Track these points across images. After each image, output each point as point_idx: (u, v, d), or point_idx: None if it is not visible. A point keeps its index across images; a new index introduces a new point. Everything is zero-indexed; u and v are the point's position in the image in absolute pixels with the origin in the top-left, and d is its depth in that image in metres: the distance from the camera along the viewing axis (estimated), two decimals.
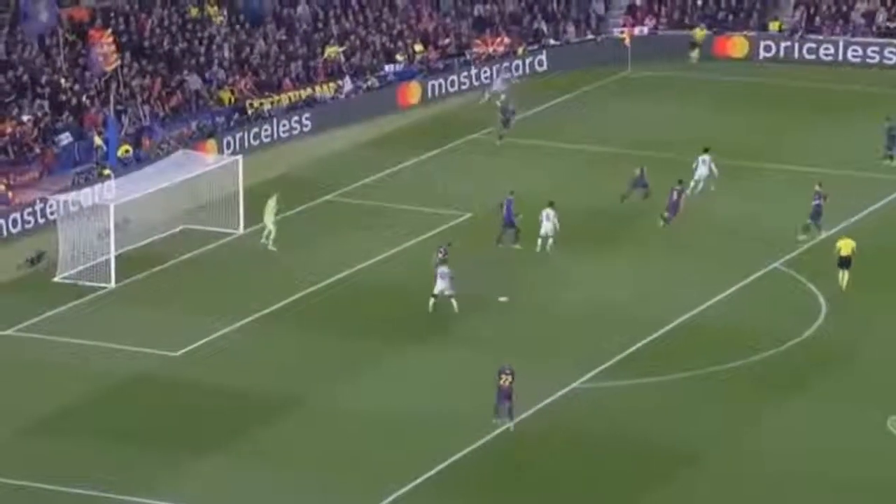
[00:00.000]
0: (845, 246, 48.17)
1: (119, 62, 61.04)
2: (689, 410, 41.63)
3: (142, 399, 42.86)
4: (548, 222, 51.09)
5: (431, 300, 46.72)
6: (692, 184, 55.59)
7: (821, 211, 51.64)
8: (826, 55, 72.40)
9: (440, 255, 47.72)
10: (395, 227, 54.02)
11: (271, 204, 52.20)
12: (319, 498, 37.71)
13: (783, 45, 72.92)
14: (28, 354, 45.51)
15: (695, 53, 71.62)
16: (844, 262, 48.02)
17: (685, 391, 42.67)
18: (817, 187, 52.13)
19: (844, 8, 73.91)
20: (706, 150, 56.44)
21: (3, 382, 43.83)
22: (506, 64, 67.72)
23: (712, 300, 47.92)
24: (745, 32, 73.50)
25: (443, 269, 46.84)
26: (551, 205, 51.36)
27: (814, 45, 72.63)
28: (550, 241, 51.14)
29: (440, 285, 46.69)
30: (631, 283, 49.49)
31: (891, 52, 71.69)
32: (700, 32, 72.08)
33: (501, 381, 40.26)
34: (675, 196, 53.08)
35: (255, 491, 38.07)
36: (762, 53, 72.95)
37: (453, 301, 46.62)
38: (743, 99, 67.43)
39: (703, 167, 55.94)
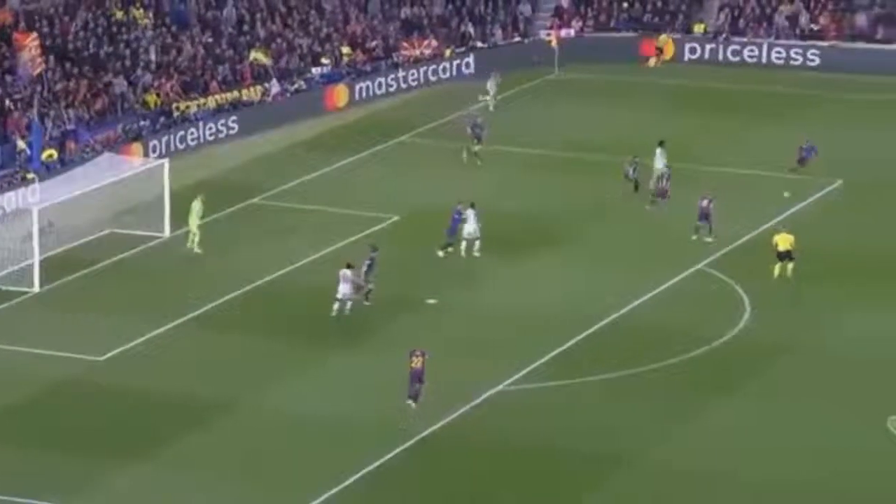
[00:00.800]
0: (783, 241, 48.50)
1: (44, 66, 60.54)
2: (617, 410, 41.56)
3: (66, 404, 42.39)
4: (470, 224, 50.68)
5: (336, 305, 46.28)
6: (654, 177, 55.72)
7: (708, 213, 51.42)
8: (750, 57, 72.75)
9: (366, 265, 47.23)
10: (322, 229, 53.74)
11: (196, 207, 51.80)
12: (247, 500, 37.35)
13: (708, 46, 73.26)
14: None
15: (652, 62, 71.67)
16: (783, 256, 48.33)
17: (612, 391, 42.61)
18: (708, 194, 51.98)
19: (768, 10, 74.34)
20: (661, 144, 56.55)
21: None
22: (497, 74, 66.59)
23: (638, 301, 47.93)
24: (670, 34, 73.74)
25: (345, 272, 46.30)
26: (472, 206, 51.13)
27: (738, 47, 72.99)
28: (477, 243, 50.90)
29: (342, 289, 46.17)
30: (558, 284, 49.39)
31: (813, 54, 72.11)
32: (664, 38, 72.02)
33: (413, 363, 40.61)
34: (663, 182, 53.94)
35: (180, 496, 37.67)
36: (687, 55, 73.24)
37: (348, 303, 46.16)
38: (669, 100, 67.60)
39: (659, 161, 56.18)
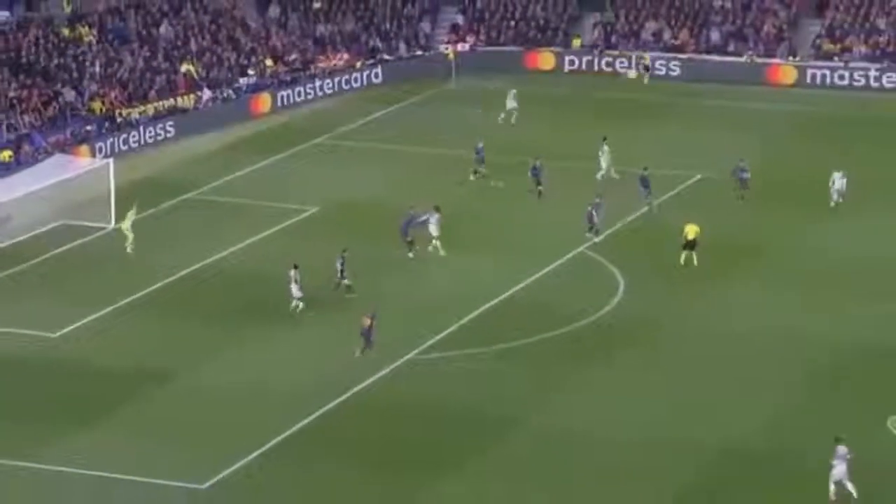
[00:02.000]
0: (691, 230, 48.16)
1: None
2: (505, 379, 41.33)
3: (22, 375, 41.69)
4: (433, 226, 49.11)
5: (293, 304, 45.14)
6: (601, 172, 55.41)
7: (592, 216, 50.51)
8: (621, 68, 72.99)
9: (339, 264, 46.47)
10: (250, 221, 53.25)
11: (130, 214, 50.48)
12: (180, 463, 36.87)
13: (585, 59, 73.41)
14: None
15: (633, 73, 70.98)
16: (690, 245, 48.06)
17: (502, 362, 42.49)
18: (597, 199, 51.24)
19: (636, 27, 74.64)
20: (605, 139, 56.27)
21: None
22: (513, 90, 64.19)
23: (527, 281, 47.89)
24: (551, 48, 73.86)
25: (293, 273, 45.15)
26: (437, 209, 49.47)
27: (610, 59, 73.20)
28: (437, 242, 49.40)
29: (294, 290, 45.06)
30: (453, 268, 49.14)
31: (675, 65, 72.49)
32: (646, 58, 71.49)
33: (362, 322, 41.60)
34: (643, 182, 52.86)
35: (123, 460, 37.08)
36: (567, 66, 73.34)
37: (300, 304, 45.19)
38: (551, 106, 67.66)
39: (603, 157, 55.82)
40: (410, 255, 49.05)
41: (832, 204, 53.67)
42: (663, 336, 44.04)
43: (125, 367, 42.11)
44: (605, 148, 56.71)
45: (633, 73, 71.13)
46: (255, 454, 37.22)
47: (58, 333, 44.17)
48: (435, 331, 44.02)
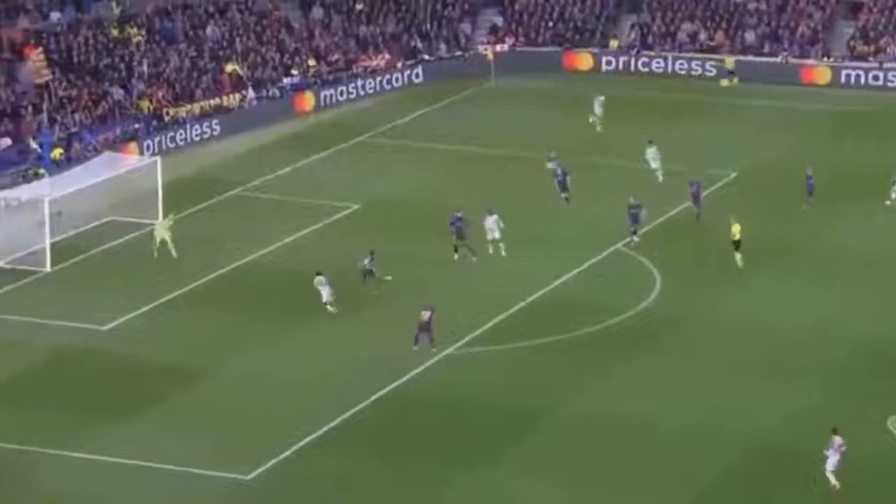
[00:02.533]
0: (735, 230, 47.54)
1: (50, 76, 60.00)
2: (543, 371, 41.43)
3: (73, 367, 42.01)
4: (493, 228, 48.58)
5: (328, 308, 45.03)
6: (658, 171, 55.07)
7: (638, 218, 50.01)
8: (657, 68, 72.84)
9: (366, 262, 46.57)
10: (294, 218, 53.43)
11: (168, 222, 50.16)
12: (225, 455, 37.06)
13: (622, 59, 73.27)
14: None
15: (726, 82, 69.66)
16: (736, 245, 47.47)
17: (541, 355, 42.52)
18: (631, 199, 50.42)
19: (672, 28, 74.45)
20: (650, 143, 56.10)
21: None
22: (600, 98, 62.98)
23: (565, 277, 47.85)
24: (589, 49, 73.75)
25: (320, 279, 45.13)
26: (490, 212, 49.23)
27: (647, 60, 73.04)
28: (501, 245, 49.09)
29: (325, 295, 44.94)
30: (493, 264, 49.07)
31: (711, 66, 72.26)
32: (730, 60, 70.54)
33: (421, 316, 41.46)
34: (695, 189, 51.80)
35: (169, 450, 37.29)
36: (604, 67, 73.22)
37: (330, 308, 44.96)
38: (589, 105, 67.49)
39: (653, 160, 55.46)
40: (474, 259, 48.34)
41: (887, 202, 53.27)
42: (698, 331, 43.98)
43: (172, 359, 42.36)
44: (652, 150, 56.18)
45: (725, 82, 69.98)
46: (298, 445, 37.38)
47: (107, 327, 44.47)
48: (474, 326, 44.07)
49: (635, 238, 49.93)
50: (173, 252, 49.44)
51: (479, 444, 37.54)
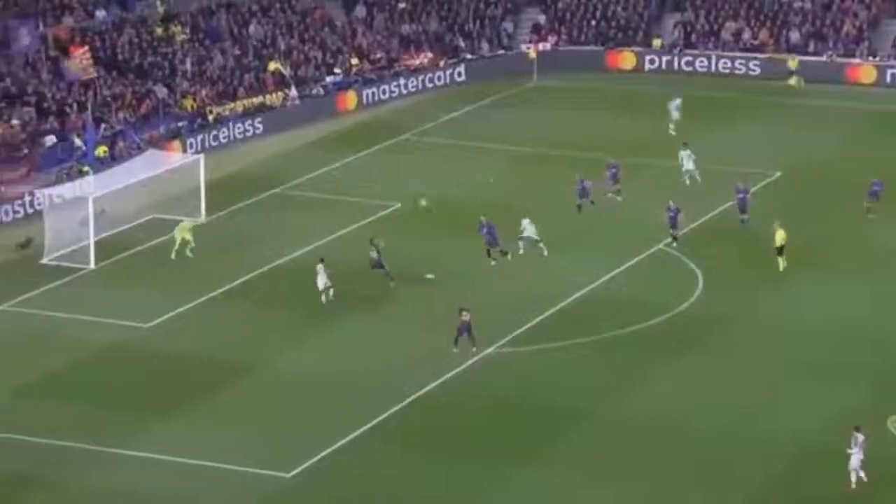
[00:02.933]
0: (779, 237, 47.22)
1: (95, 74, 60.40)
2: (585, 370, 41.49)
3: (117, 364, 42.36)
4: (529, 230, 48.85)
5: (323, 296, 45.50)
6: (684, 177, 54.67)
7: (676, 223, 49.67)
8: (701, 67, 72.64)
9: (375, 255, 46.85)
10: (335, 216, 53.63)
11: (189, 223, 50.29)
12: (265, 452, 37.30)
13: (665, 58, 73.10)
14: (19, 327, 44.89)
15: (794, 81, 68.96)
16: (778, 251, 47.20)
17: (582, 354, 42.57)
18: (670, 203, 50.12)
19: (716, 27, 74.22)
20: (685, 145, 55.95)
21: None
22: (677, 101, 62.08)
23: (606, 277, 47.86)
24: (632, 48, 73.63)
25: (321, 266, 45.67)
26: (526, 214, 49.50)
27: (690, 59, 72.86)
28: (541, 245, 49.12)
29: (320, 283, 45.49)
30: (533, 264, 49.11)
31: (754, 65, 72.00)
32: (793, 62, 70.06)
33: (462, 317, 41.56)
34: (742, 195, 50.53)
35: (209, 448, 37.56)
36: (647, 66, 73.08)
37: (331, 292, 45.43)
38: (632, 104, 67.45)
39: (687, 161, 55.13)
40: (509, 256, 48.40)
41: None
42: (740, 331, 43.90)
43: (213, 356, 42.63)
44: (686, 153, 55.92)
45: (793, 81, 69.54)
46: (338, 444, 37.56)
47: (149, 324, 44.80)
48: (515, 326, 44.13)
49: (674, 243, 49.68)
50: (189, 254, 49.40)
51: (519, 444, 37.64)
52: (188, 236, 49.63)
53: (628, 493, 35.52)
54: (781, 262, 47.51)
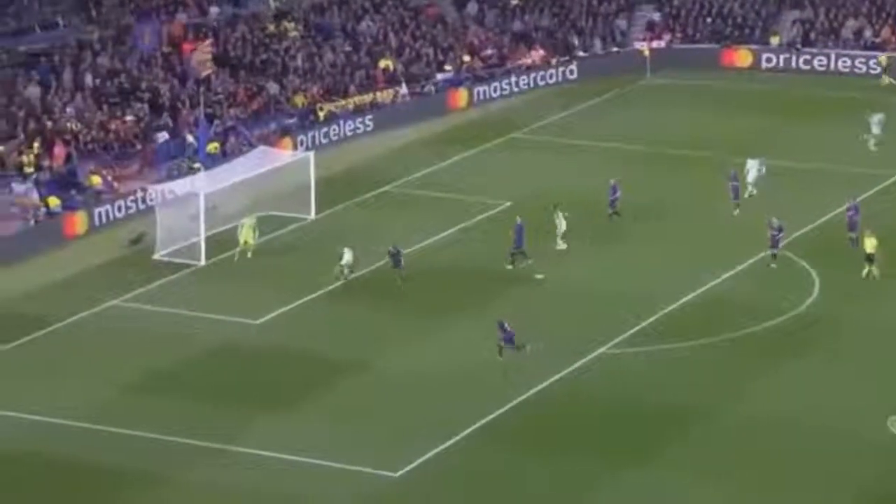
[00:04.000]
0: (869, 244, 46.45)
1: (214, 69, 60.96)
2: (698, 371, 41.21)
3: (226, 361, 42.76)
4: (561, 221, 49.07)
5: (345, 272, 46.73)
6: (748, 189, 53.49)
7: (777, 242, 48.38)
8: (819, 66, 71.66)
9: (390, 256, 47.26)
10: (445, 213, 53.70)
11: (251, 220, 50.21)
12: (373, 451, 37.44)
13: (782, 56, 72.22)
14: (131, 322, 45.49)
15: (887, 79, 68.29)
16: (868, 258, 46.41)
17: (695, 356, 42.24)
18: (774, 220, 48.54)
19: (835, 25, 73.16)
20: (752, 157, 54.72)
21: (109, 346, 43.82)
22: (879, 115, 59.81)
23: (721, 278, 47.40)
24: (749, 46, 72.84)
25: (347, 250, 47.00)
26: (556, 207, 49.50)
27: (809, 57, 71.91)
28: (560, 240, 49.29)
29: (347, 257, 46.88)
30: (648, 266, 48.87)
31: (875, 64, 70.82)
32: (883, 59, 69.24)
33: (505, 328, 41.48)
34: (852, 213, 49.23)
35: (316, 445, 37.77)
36: (764, 64, 72.25)
37: (346, 271, 46.63)
38: (748, 103, 66.73)
39: (753, 171, 54.06)
40: (530, 261, 48.10)
41: None
42: (854, 335, 43.28)
43: (321, 354, 42.89)
44: (754, 162, 54.26)
45: (886, 79, 68.34)
46: (446, 444, 37.62)
47: (259, 321, 45.17)
48: (626, 326, 43.91)
49: (773, 265, 48.21)
50: (248, 254, 49.40)
51: (630, 444, 37.46)
52: (251, 239, 49.49)
53: (739, 493, 35.24)
54: (872, 270, 46.46)
